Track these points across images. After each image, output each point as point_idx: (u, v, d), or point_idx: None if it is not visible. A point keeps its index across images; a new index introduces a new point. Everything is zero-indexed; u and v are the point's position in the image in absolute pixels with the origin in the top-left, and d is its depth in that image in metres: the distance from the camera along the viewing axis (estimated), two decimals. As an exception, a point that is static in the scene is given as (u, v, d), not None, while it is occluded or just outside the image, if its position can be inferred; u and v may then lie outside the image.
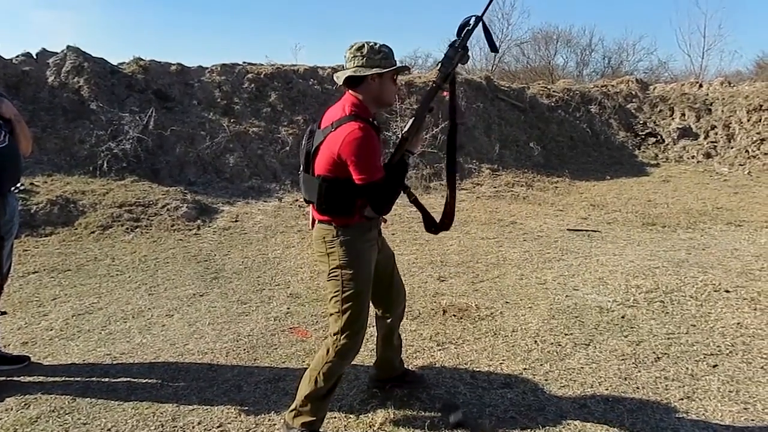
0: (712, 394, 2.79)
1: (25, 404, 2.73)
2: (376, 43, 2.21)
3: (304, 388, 2.36)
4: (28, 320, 3.79)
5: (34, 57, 8.47)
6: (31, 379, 2.98)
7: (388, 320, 2.63)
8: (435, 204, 7.63)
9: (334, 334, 2.30)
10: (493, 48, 2.31)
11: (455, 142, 2.48)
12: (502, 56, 21.89)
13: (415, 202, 2.47)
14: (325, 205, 2.23)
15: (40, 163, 7.14)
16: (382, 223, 2.49)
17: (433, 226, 2.47)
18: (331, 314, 2.32)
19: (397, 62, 2.27)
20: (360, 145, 2.08)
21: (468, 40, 2.22)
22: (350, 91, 2.24)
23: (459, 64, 2.27)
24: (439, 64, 2.27)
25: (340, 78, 2.25)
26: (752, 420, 2.58)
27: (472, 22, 2.21)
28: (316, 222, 2.34)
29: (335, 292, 2.28)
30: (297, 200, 7.47)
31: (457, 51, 2.21)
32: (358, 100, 2.22)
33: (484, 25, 2.22)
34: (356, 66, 2.21)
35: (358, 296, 2.27)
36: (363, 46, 2.21)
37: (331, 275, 2.29)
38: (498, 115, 10.90)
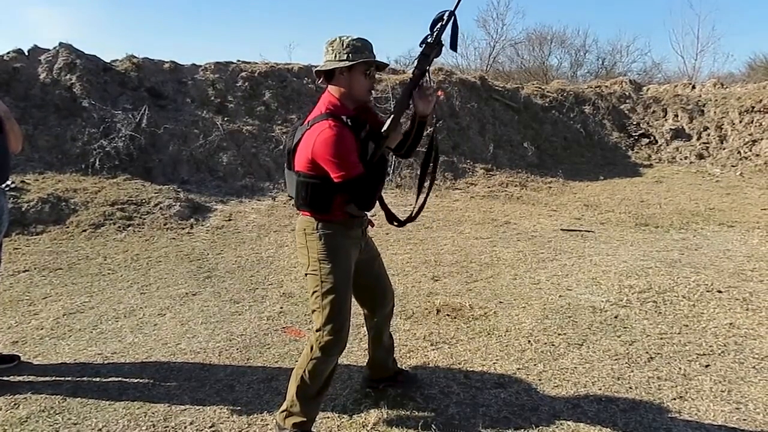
0: (704, 394, 2.80)
1: (15, 404, 2.70)
2: (348, 37, 2.20)
3: (292, 387, 2.35)
4: (18, 319, 3.75)
5: (26, 53, 8.40)
6: (20, 378, 2.95)
7: (375, 321, 2.62)
8: (429, 203, 7.62)
9: (317, 331, 2.29)
10: (454, 46, 2.29)
11: (435, 142, 2.47)
12: (497, 56, 21.91)
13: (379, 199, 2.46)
14: (302, 201, 2.24)
15: (31, 160, 7.09)
16: (369, 226, 2.48)
17: (396, 220, 2.47)
18: (313, 311, 2.32)
19: (375, 57, 2.24)
20: (332, 145, 2.07)
21: (441, 35, 2.20)
22: (329, 87, 2.25)
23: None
24: (416, 62, 2.26)
25: (315, 73, 2.27)
26: (744, 420, 2.59)
27: (445, 17, 2.19)
28: (299, 214, 2.34)
29: (315, 287, 2.28)
30: (291, 199, 7.43)
31: (433, 48, 2.21)
32: (335, 98, 2.23)
33: (454, 21, 2.21)
34: (326, 60, 2.22)
35: (337, 291, 2.26)
36: (335, 40, 2.21)
37: (310, 269, 2.30)
38: (492, 115, 10.91)
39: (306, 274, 2.33)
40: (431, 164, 2.48)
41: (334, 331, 2.27)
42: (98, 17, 41.25)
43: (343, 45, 2.18)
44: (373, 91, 2.36)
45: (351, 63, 2.16)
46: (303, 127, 2.23)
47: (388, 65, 2.52)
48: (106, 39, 36.35)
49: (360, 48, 2.18)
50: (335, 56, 2.19)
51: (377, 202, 2.44)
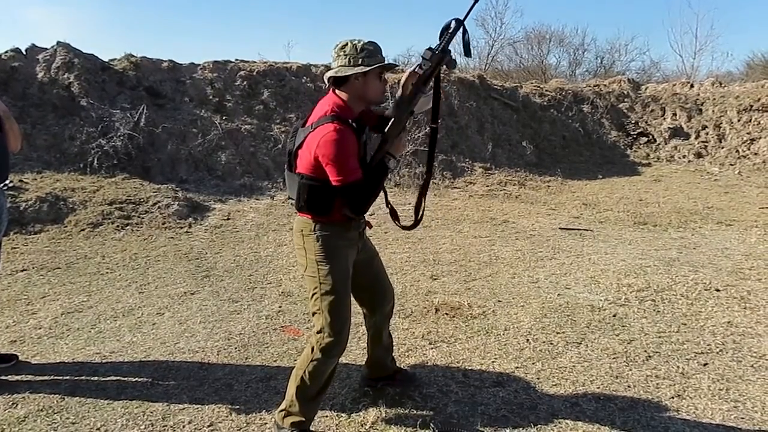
0: (702, 393, 2.80)
1: (13, 403, 2.70)
2: (360, 41, 2.18)
3: (292, 387, 2.35)
4: (16, 318, 3.75)
5: (24, 53, 8.38)
6: (19, 377, 2.95)
7: (375, 320, 2.62)
8: (428, 202, 7.62)
9: (318, 332, 2.29)
10: (467, 52, 2.29)
11: (434, 147, 2.48)
12: (495, 55, 21.91)
13: (390, 210, 2.50)
14: (303, 203, 2.23)
15: (29, 159, 7.07)
16: (367, 228, 2.48)
17: (403, 226, 2.51)
18: (313, 313, 2.32)
19: (386, 59, 2.24)
20: (335, 147, 2.07)
21: (449, 44, 2.19)
22: (337, 90, 2.24)
23: (446, 68, 2.26)
24: (417, 68, 2.24)
25: (326, 78, 2.26)
26: (742, 418, 2.59)
27: (452, 24, 2.18)
28: (297, 215, 2.34)
29: (314, 289, 2.28)
30: (290, 200, 7.42)
31: (434, 53, 2.19)
32: (341, 101, 2.22)
33: (464, 29, 2.19)
34: (339, 65, 2.19)
35: (336, 292, 2.26)
36: (346, 44, 2.19)
37: (308, 271, 2.30)
38: (491, 114, 10.91)
39: (304, 276, 2.33)
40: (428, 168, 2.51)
41: (335, 333, 2.27)
42: (96, 17, 41.16)
43: (357, 50, 2.16)
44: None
45: (369, 68, 2.15)
46: (305, 129, 2.21)
47: (399, 66, 2.54)
48: (104, 38, 36.26)
49: (373, 52, 2.18)
50: (349, 61, 2.17)
51: (387, 207, 2.47)
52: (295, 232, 2.36)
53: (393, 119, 2.25)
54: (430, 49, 2.20)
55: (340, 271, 2.28)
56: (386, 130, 2.25)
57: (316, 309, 2.29)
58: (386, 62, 2.22)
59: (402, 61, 19.53)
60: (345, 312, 2.30)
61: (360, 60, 2.16)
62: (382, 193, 2.36)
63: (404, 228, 2.52)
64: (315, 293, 2.28)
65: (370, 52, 2.17)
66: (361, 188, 2.14)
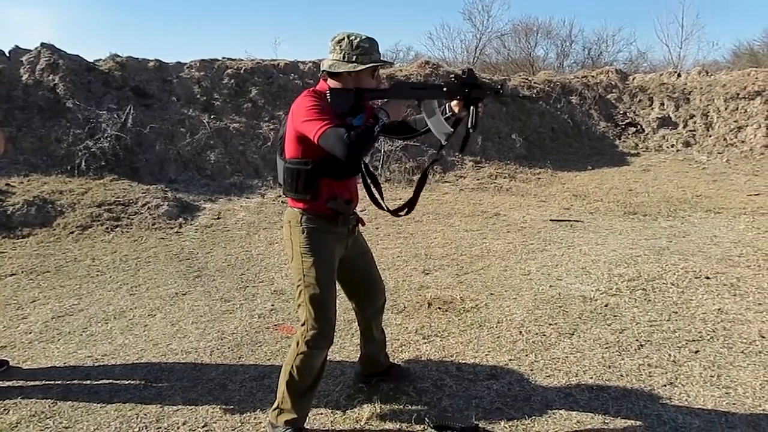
0: (694, 380, 2.83)
1: (5, 409, 2.67)
2: (356, 38, 2.19)
3: (282, 383, 2.35)
4: (6, 324, 3.71)
5: (7, 54, 8.29)
6: (10, 383, 2.92)
7: (365, 316, 2.63)
8: (421, 198, 7.61)
9: (302, 325, 2.29)
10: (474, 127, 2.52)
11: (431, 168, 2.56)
12: (483, 48, 21.95)
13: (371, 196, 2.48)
14: (288, 187, 2.24)
15: (16, 163, 6.99)
16: (360, 225, 2.47)
17: (389, 210, 2.48)
18: (298, 305, 2.32)
19: (381, 55, 2.26)
20: (306, 105, 2.08)
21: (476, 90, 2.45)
22: (329, 79, 2.25)
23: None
24: (443, 82, 2.36)
25: (321, 68, 2.28)
26: (733, 404, 2.62)
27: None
28: (287, 207, 2.36)
29: (298, 281, 2.28)
30: (280, 196, 7.41)
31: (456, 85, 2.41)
32: (328, 87, 2.22)
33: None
34: (333, 59, 2.20)
35: (320, 285, 2.25)
36: (343, 39, 2.19)
37: (293, 262, 2.30)
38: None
39: (291, 264, 2.34)
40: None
41: (319, 325, 2.26)
42: (79, 17, 40.77)
43: (352, 46, 2.17)
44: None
45: (363, 67, 2.16)
46: None
47: (393, 64, 2.58)
48: (89, 39, 35.98)
49: (368, 49, 2.19)
50: (344, 57, 2.17)
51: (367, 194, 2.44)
52: (284, 222, 2.37)
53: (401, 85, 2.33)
54: (460, 74, 2.39)
55: (324, 264, 2.28)
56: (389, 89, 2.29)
57: (300, 301, 2.29)
58: (380, 61, 2.23)
59: (390, 56, 19.50)
60: (329, 304, 2.29)
61: (354, 57, 2.17)
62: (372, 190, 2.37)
63: (391, 212, 2.47)
64: (299, 285, 2.28)
65: (364, 49, 2.18)
66: (345, 134, 1.98)
